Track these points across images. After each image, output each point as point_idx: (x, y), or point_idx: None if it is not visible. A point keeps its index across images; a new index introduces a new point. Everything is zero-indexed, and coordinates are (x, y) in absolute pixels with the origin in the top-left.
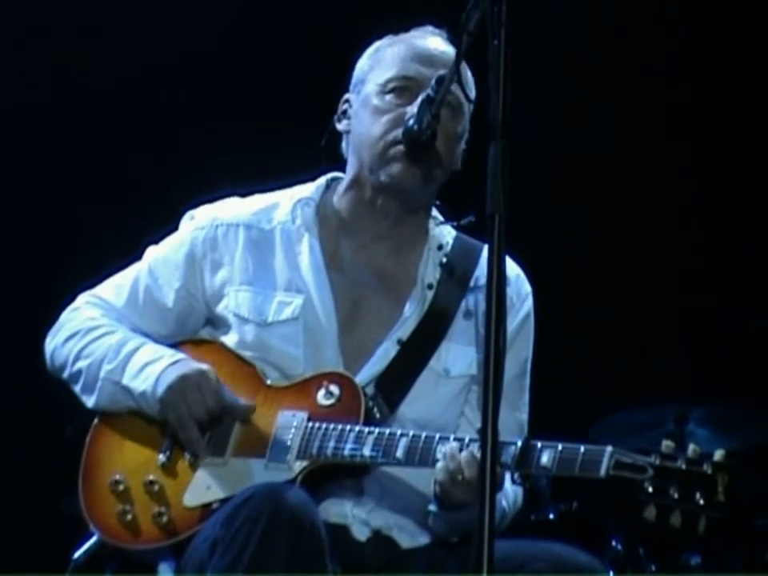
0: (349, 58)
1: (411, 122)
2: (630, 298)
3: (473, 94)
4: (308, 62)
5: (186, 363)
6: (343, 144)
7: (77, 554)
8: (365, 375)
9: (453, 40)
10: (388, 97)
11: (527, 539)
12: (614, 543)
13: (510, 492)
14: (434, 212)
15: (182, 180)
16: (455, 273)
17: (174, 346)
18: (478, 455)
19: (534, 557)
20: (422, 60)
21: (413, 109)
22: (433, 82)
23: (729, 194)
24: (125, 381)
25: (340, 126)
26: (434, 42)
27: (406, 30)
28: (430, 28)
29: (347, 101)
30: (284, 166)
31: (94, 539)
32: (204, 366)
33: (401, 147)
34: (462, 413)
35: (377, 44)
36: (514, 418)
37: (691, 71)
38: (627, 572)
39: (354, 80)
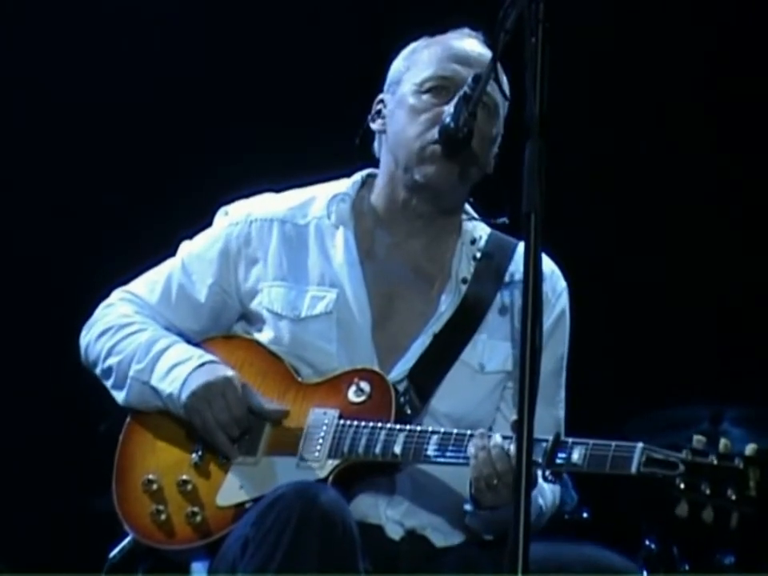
0: (385, 57)
1: (448, 119)
2: (667, 295)
3: (508, 93)
4: (346, 59)
5: (213, 368)
6: (375, 143)
7: (112, 554)
8: (399, 371)
9: (489, 43)
10: (425, 96)
11: (561, 541)
12: (647, 542)
13: (548, 491)
14: (467, 207)
15: (217, 175)
16: (489, 267)
17: (206, 341)
18: (509, 449)
19: (570, 562)
20: (459, 60)
21: (449, 108)
22: (470, 79)
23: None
24: (153, 381)
25: (374, 126)
26: (471, 43)
27: (443, 31)
28: (466, 30)
29: (382, 101)
30: (319, 161)
31: (129, 538)
32: (230, 372)
33: (437, 147)
34: (498, 408)
35: (413, 45)
36: (551, 414)
37: (724, 69)
38: (661, 571)
39: (388, 80)
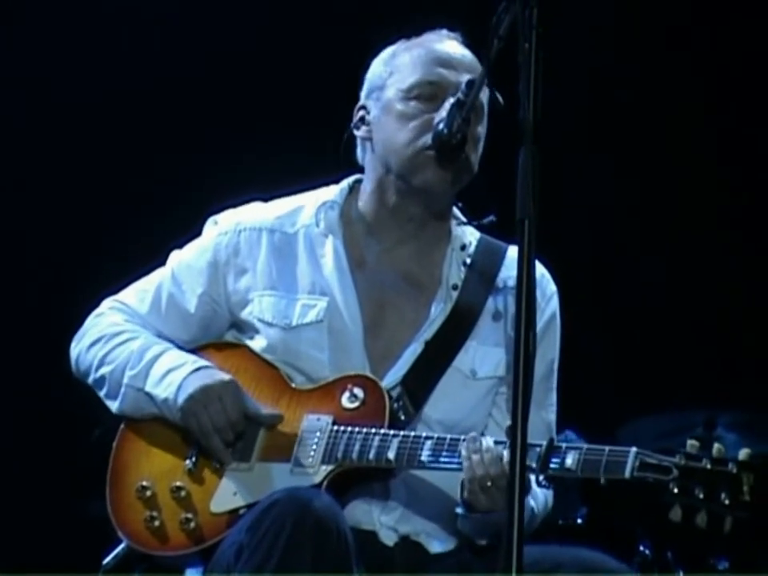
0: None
1: (441, 125)
2: (662, 300)
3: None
4: (331, 65)
5: (209, 372)
6: (358, 150)
7: (106, 560)
8: (392, 378)
9: (468, 43)
10: (413, 103)
11: (555, 544)
12: (641, 548)
13: (540, 494)
14: (456, 212)
15: (206, 184)
16: (480, 273)
17: (199, 349)
18: (502, 454)
19: (563, 563)
20: (443, 64)
21: (441, 114)
22: (463, 85)
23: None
24: (147, 387)
25: (359, 133)
26: (453, 45)
27: (418, 33)
28: (444, 31)
29: (363, 107)
30: (306, 169)
31: (122, 545)
32: (226, 377)
33: (431, 153)
34: (490, 414)
35: (391, 49)
36: (542, 418)
37: (725, 68)
38: None
39: (369, 86)
